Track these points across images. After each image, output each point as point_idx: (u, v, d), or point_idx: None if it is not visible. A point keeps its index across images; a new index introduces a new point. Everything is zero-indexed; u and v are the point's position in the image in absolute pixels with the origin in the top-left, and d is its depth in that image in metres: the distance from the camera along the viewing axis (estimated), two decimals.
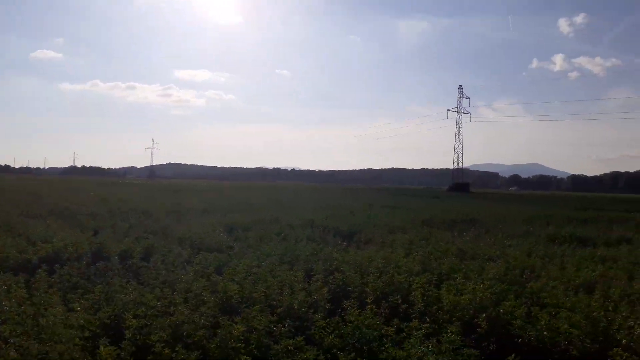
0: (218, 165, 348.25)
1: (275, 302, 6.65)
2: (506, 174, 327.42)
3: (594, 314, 5.86)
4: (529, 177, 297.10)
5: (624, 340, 5.39)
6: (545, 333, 5.62)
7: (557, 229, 19.69)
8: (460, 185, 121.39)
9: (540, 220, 24.62)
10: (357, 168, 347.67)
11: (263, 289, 6.92)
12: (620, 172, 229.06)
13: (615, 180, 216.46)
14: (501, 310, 6.34)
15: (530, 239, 16.60)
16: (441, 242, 14.59)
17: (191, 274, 8.20)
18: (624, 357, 4.90)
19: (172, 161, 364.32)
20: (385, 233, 17.02)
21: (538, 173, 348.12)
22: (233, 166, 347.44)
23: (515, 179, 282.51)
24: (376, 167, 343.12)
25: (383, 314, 6.42)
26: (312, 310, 6.44)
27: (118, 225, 15.84)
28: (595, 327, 5.64)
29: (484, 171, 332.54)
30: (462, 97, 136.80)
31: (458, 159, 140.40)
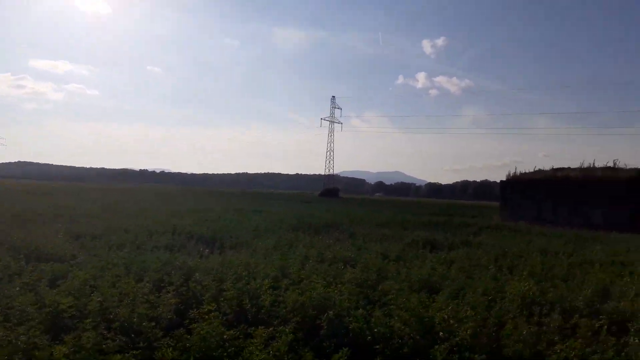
0: (77, 165, 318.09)
1: (113, 316, 6.12)
2: (372, 181, 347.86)
3: (422, 311, 6.36)
4: (392, 184, 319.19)
5: (441, 333, 5.96)
6: (377, 331, 5.96)
7: (412, 233, 21.19)
8: (331, 191, 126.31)
9: (398, 225, 26.40)
10: (232, 172, 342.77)
11: (99, 300, 6.33)
12: (469, 181, 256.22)
13: (465, 189, 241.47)
14: (339, 310, 6.55)
15: (388, 242, 17.66)
16: (304, 246, 14.85)
17: (17, 288, 7.21)
18: (443, 352, 5.38)
19: (22, 159, 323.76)
20: (251, 238, 16.87)
21: (399, 180, 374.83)
22: (94, 167, 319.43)
23: (380, 186, 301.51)
24: (251, 172, 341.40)
25: (228, 320, 6.27)
26: (153, 323, 6.03)
27: None
28: (423, 325, 6.11)
29: (353, 178, 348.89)
30: (335, 107, 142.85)
31: (329, 166, 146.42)
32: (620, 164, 37.51)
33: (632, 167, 37.10)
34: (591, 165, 38.83)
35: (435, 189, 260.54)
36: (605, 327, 6.62)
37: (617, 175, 35.92)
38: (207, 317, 6.05)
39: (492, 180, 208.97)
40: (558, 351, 5.60)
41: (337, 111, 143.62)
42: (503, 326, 6.50)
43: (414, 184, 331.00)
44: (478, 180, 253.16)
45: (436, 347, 5.50)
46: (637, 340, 5.97)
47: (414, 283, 9.79)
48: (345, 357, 5.22)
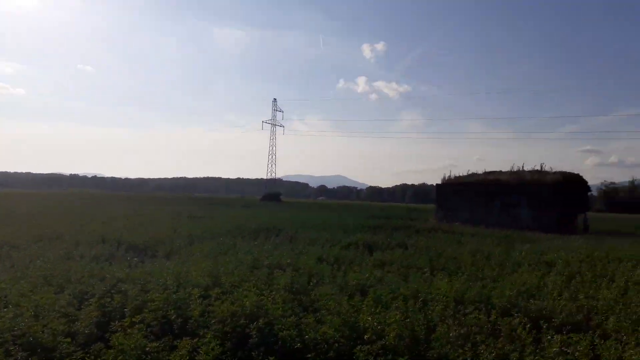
0: None
1: (20, 332, 5.64)
2: (315, 185, 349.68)
3: (353, 315, 6.37)
4: (334, 187, 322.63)
5: (366, 337, 6.00)
6: (307, 337, 5.90)
7: (351, 236, 21.30)
8: (272, 195, 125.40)
9: (339, 228, 26.51)
10: (169, 176, 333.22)
11: (9, 316, 5.83)
12: (408, 185, 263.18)
13: (404, 192, 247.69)
14: (270, 318, 6.42)
15: (328, 245, 17.64)
16: (241, 252, 14.54)
17: None
18: (366, 352, 5.40)
19: None
20: (186, 245, 16.35)
21: (342, 184, 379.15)
22: (19, 171, 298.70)
23: (322, 189, 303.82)
24: (190, 176, 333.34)
25: (153, 331, 5.97)
26: (69, 339, 5.62)
27: None
28: (352, 329, 6.11)
29: (296, 181, 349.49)
30: (277, 110, 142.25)
31: (271, 170, 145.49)
32: (547, 168, 39.83)
33: (557, 170, 39.52)
34: (520, 169, 40.93)
35: (375, 192, 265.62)
36: (529, 325, 6.87)
37: (544, 179, 38.06)
38: (129, 329, 5.73)
39: (429, 183, 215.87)
40: (482, 351, 5.75)
41: (278, 114, 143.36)
42: (431, 328, 6.60)
43: (356, 187, 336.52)
44: (416, 183, 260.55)
45: (359, 347, 5.50)
46: (551, 338, 6.25)
47: (350, 287, 9.79)
48: None
